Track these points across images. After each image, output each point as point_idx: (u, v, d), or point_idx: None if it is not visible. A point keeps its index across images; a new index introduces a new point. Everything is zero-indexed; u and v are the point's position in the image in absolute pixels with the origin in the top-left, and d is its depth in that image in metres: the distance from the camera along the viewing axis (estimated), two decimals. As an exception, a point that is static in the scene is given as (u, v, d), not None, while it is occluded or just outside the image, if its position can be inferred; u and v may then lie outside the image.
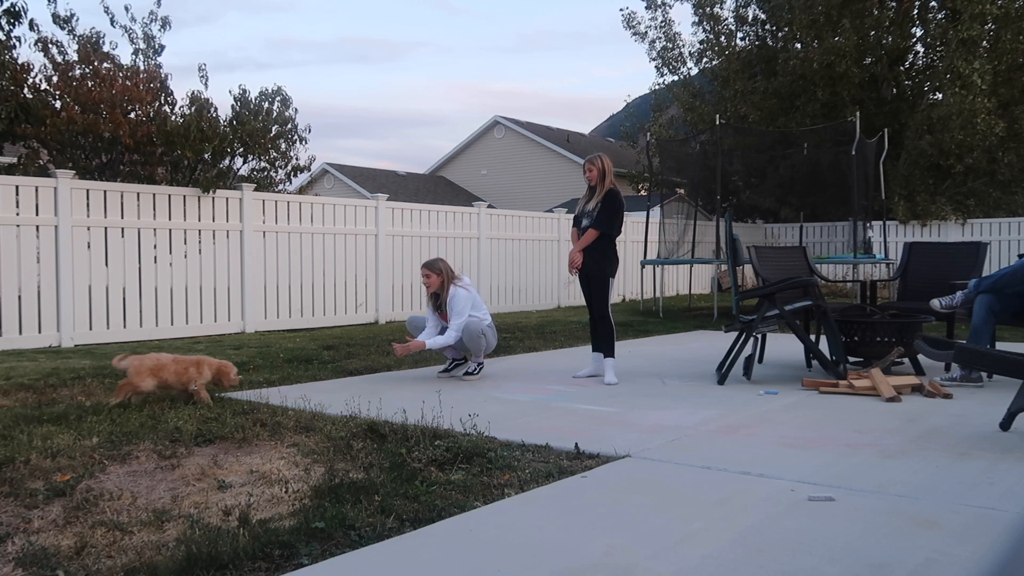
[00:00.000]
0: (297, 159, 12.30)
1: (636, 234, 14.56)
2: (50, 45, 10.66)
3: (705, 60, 20.64)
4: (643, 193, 23.17)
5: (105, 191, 8.22)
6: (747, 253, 6.62)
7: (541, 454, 3.64)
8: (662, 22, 20.86)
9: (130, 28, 11.61)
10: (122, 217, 8.31)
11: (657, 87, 22.68)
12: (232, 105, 11.65)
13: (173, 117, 10.51)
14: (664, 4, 20.72)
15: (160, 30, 11.77)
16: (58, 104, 10.32)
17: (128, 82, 10.42)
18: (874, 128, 15.47)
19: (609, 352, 5.97)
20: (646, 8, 21.08)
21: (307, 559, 2.43)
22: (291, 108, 12.12)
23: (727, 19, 20.28)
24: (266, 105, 11.92)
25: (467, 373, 5.99)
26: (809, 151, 15.81)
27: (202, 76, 11.78)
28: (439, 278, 5.97)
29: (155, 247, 8.51)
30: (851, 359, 5.96)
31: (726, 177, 14.78)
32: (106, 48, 10.99)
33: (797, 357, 6.71)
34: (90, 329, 8.01)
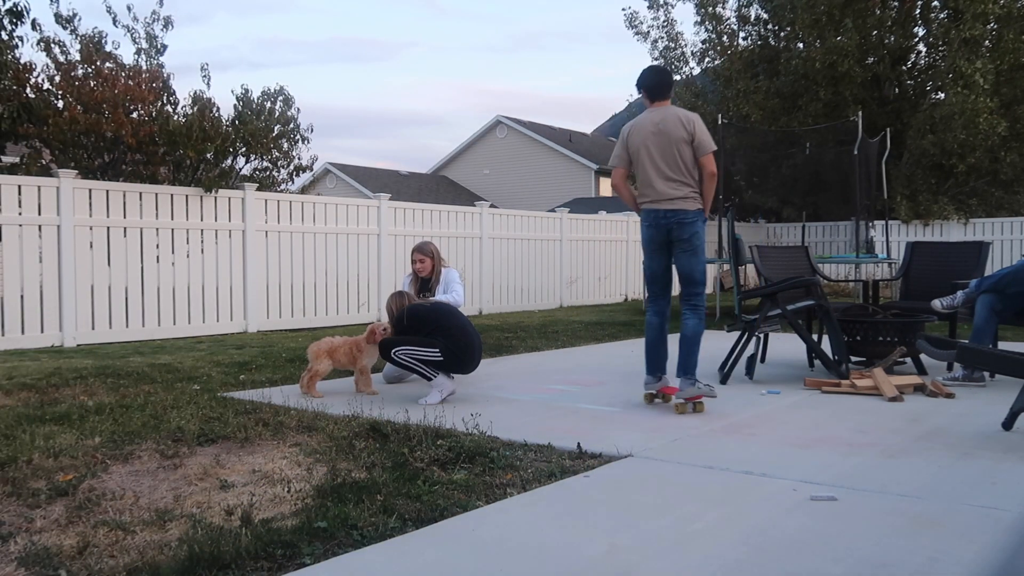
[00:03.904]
0: (299, 159, 12.31)
1: (638, 234, 14.53)
2: (52, 45, 10.66)
3: (707, 60, 20.62)
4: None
5: (107, 191, 8.23)
6: (749, 253, 6.62)
7: (543, 454, 3.64)
8: (664, 22, 20.83)
9: (132, 28, 11.62)
10: (124, 217, 8.32)
11: (659, 87, 22.63)
12: (234, 105, 11.66)
13: (175, 117, 10.52)
14: (666, 4, 20.68)
15: (162, 30, 11.79)
16: (60, 104, 10.32)
17: (130, 82, 10.42)
18: (876, 128, 15.45)
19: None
20: (648, 8, 21.06)
21: (309, 559, 2.43)
22: (293, 108, 12.14)
23: (729, 19, 20.26)
24: (268, 105, 11.93)
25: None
26: (811, 151, 15.80)
27: (204, 76, 11.75)
28: (432, 261, 5.91)
29: (157, 247, 8.52)
30: (853, 359, 5.95)
31: (728, 177, 14.76)
32: (108, 48, 11.00)
33: (799, 357, 6.70)
34: (92, 329, 8.02)
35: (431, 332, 5.02)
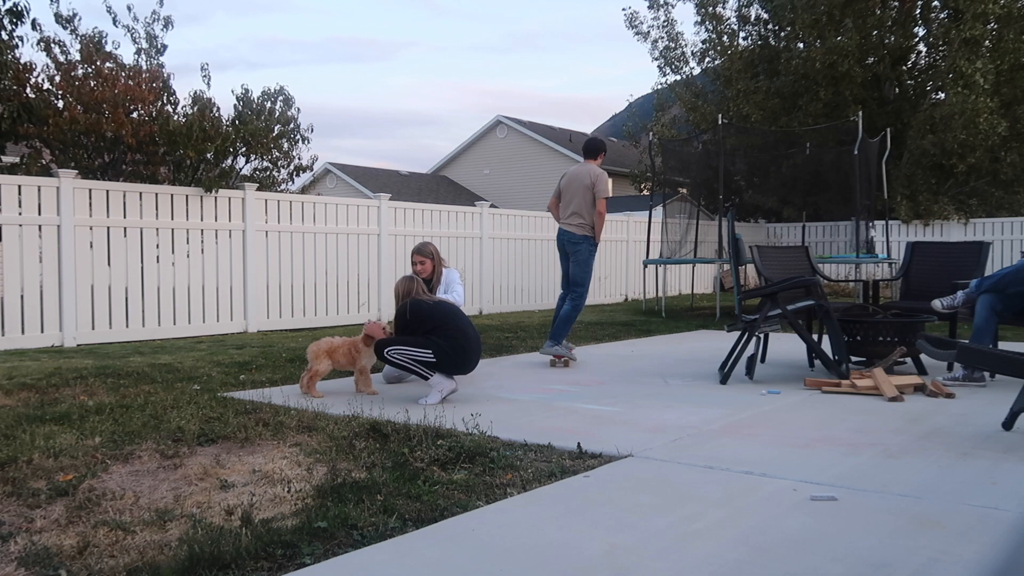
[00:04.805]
0: (299, 159, 12.32)
1: (639, 234, 14.56)
2: (52, 45, 10.67)
3: (707, 60, 20.64)
4: (645, 193, 23.19)
5: (108, 191, 8.23)
6: (749, 253, 6.62)
7: (543, 453, 3.64)
8: (664, 22, 20.86)
9: (132, 28, 11.63)
10: (124, 217, 8.32)
11: (659, 87, 22.68)
12: (235, 105, 11.68)
13: (175, 117, 10.52)
14: (667, 4, 20.70)
15: (163, 30, 11.80)
16: (60, 104, 10.33)
17: (131, 82, 10.43)
18: (876, 128, 15.46)
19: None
20: (648, 8, 21.08)
21: (309, 559, 2.43)
22: (293, 108, 12.15)
23: (730, 19, 20.28)
24: (268, 105, 11.94)
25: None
26: (812, 151, 15.80)
27: (204, 76, 11.76)
28: (432, 262, 5.93)
29: (158, 247, 8.52)
30: (853, 359, 5.95)
31: (728, 177, 14.79)
32: (108, 48, 11.01)
33: (799, 357, 6.70)
34: (92, 329, 8.02)
35: (430, 331, 5.02)
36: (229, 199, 9.15)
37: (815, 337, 6.21)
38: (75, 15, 11.00)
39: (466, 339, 5.07)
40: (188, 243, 8.81)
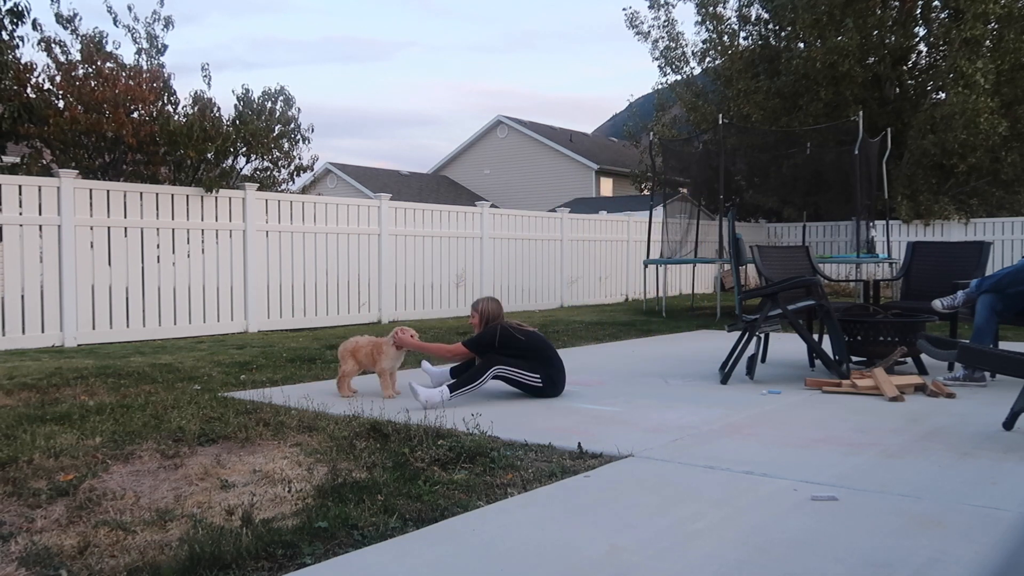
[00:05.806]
0: (300, 159, 12.31)
1: (639, 234, 14.56)
2: (53, 45, 10.66)
3: (708, 60, 20.63)
4: (646, 193, 23.20)
5: (108, 191, 8.23)
6: (750, 252, 6.62)
7: (544, 454, 3.64)
8: (665, 22, 20.85)
9: (133, 28, 11.62)
10: (125, 217, 8.32)
11: (660, 87, 22.68)
12: (235, 104, 11.67)
13: (176, 117, 10.52)
14: (667, 3, 20.70)
15: (163, 30, 11.79)
16: (61, 104, 10.32)
17: (131, 82, 10.42)
18: (877, 127, 15.45)
19: None
20: (649, 7, 21.07)
21: (310, 558, 2.43)
22: (294, 108, 12.15)
23: (730, 18, 20.27)
24: (268, 105, 11.94)
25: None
26: (812, 151, 15.79)
27: (205, 76, 11.76)
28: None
29: (158, 247, 8.52)
30: (854, 358, 5.95)
31: (729, 177, 14.77)
32: (109, 48, 11.00)
33: (800, 357, 6.70)
34: (93, 329, 8.02)
35: (524, 356, 5.03)
36: (229, 199, 9.15)
37: (815, 337, 6.21)
38: (75, 15, 10.98)
39: (561, 369, 5.16)
40: (188, 243, 8.81)
